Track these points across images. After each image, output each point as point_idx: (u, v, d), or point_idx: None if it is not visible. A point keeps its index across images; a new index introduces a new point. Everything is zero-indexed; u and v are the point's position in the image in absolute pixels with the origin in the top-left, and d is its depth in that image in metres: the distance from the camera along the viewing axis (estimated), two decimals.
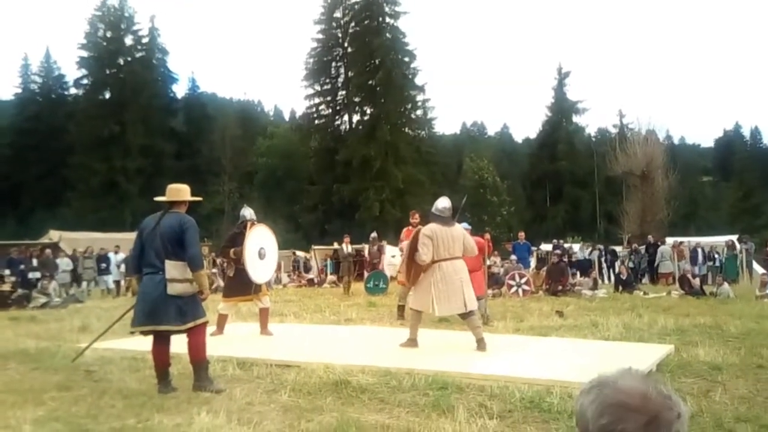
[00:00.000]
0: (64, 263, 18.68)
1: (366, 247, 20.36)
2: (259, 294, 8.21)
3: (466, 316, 6.89)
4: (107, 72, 48.45)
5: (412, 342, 6.99)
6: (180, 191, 5.46)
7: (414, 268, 7.10)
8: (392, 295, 12.02)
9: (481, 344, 6.68)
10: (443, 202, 7.14)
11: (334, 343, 7.22)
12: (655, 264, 18.59)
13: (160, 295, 5.09)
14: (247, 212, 8.48)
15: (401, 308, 10.18)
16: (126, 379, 5.65)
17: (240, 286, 8.06)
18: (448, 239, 6.86)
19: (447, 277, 6.77)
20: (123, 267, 18.38)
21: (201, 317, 5.28)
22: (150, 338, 5.32)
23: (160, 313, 5.11)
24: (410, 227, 10.46)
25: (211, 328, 8.19)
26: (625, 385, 1.14)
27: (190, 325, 5.18)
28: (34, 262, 17.68)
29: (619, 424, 1.08)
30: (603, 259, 20.41)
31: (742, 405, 4.60)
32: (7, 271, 16.68)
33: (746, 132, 73.46)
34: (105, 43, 48.62)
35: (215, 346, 6.00)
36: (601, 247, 21.74)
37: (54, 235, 24.38)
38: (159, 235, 5.17)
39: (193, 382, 5.23)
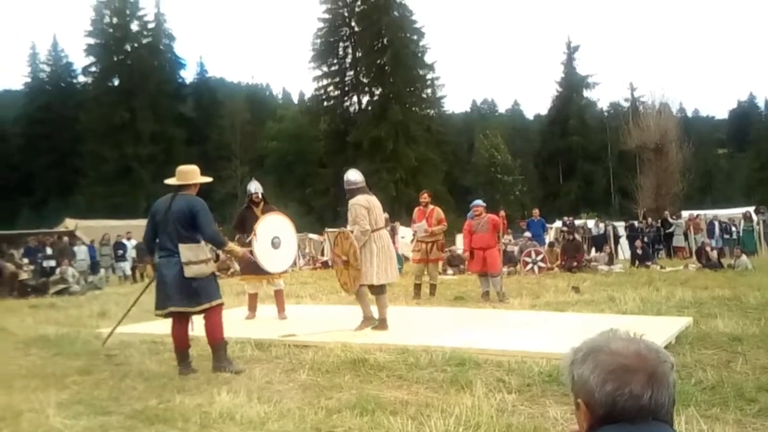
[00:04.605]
0: (82, 251, 18.90)
1: None
2: (273, 275, 8.13)
3: (383, 290, 6.70)
4: (115, 59, 48.52)
5: (369, 321, 6.67)
6: (189, 173, 5.44)
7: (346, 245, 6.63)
8: (407, 275, 12.01)
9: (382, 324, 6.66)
10: (355, 174, 6.86)
11: (350, 322, 7.23)
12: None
13: (176, 277, 5.11)
14: (253, 186, 8.24)
15: (417, 287, 10.21)
16: (146, 362, 5.70)
17: (255, 263, 7.99)
18: (378, 208, 6.77)
19: (387, 245, 6.69)
20: (135, 253, 18.58)
21: (216, 299, 5.31)
22: (169, 321, 5.36)
23: (177, 294, 5.14)
24: (421, 207, 10.47)
25: (243, 311, 8.27)
26: (618, 348, 1.20)
27: (205, 306, 5.21)
28: (48, 250, 17.86)
29: (626, 387, 1.15)
30: (614, 235, 20.26)
31: (763, 374, 4.56)
32: (25, 260, 16.88)
33: (761, 102, 72.25)
34: (111, 30, 48.61)
35: (233, 328, 6.03)
36: (614, 223, 21.61)
37: (70, 223, 24.60)
38: (171, 219, 5.18)
39: (213, 364, 5.27)
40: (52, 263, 16.71)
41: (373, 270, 6.53)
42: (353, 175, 6.84)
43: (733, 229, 18.98)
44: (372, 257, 6.55)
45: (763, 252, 17.92)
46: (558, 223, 22.81)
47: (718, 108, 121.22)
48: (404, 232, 17.42)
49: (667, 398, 1.18)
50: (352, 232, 6.55)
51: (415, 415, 3.84)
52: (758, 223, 18.80)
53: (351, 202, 6.68)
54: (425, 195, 10.64)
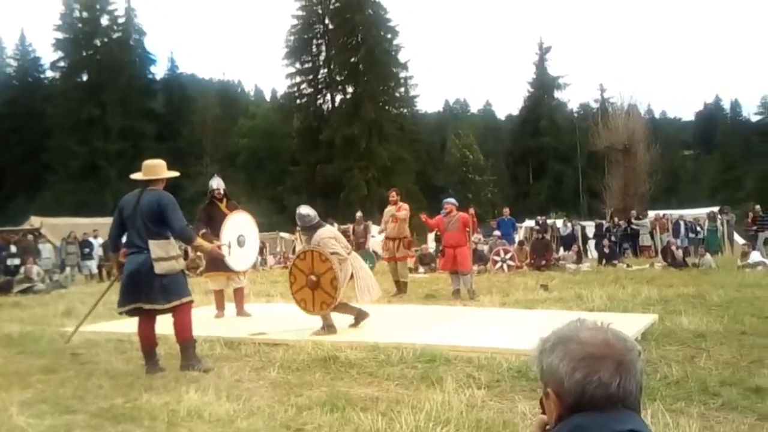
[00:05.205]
0: (47, 249, 18.51)
1: (351, 226, 20.40)
2: (238, 273, 8.00)
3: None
4: (84, 53, 47.53)
5: (331, 329, 6.48)
6: (156, 168, 5.35)
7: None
8: (378, 274, 11.99)
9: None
10: (308, 209, 6.81)
11: (321, 320, 7.20)
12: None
13: (145, 274, 5.04)
14: (215, 182, 8.16)
15: (397, 283, 10.28)
16: (113, 360, 5.61)
17: (219, 260, 7.87)
18: (339, 235, 7.02)
19: (360, 264, 6.84)
20: (102, 251, 18.24)
21: (186, 296, 5.25)
22: (136, 320, 5.28)
23: (145, 291, 5.07)
24: (391, 205, 10.52)
25: (211, 309, 8.17)
26: (586, 337, 1.21)
27: (175, 303, 5.14)
28: (13, 248, 17.45)
29: (595, 375, 1.16)
30: (582, 234, 20.51)
31: (726, 370, 4.68)
32: None
33: (726, 105, 73.96)
34: (81, 24, 47.61)
35: (201, 326, 5.97)
36: (582, 223, 21.88)
37: (35, 221, 24.05)
38: (139, 214, 5.11)
39: (181, 362, 5.21)
40: (17, 261, 16.34)
41: (363, 291, 6.67)
42: (307, 210, 6.79)
43: (698, 228, 19.33)
44: (356, 279, 6.66)
45: (727, 251, 18.33)
46: (528, 223, 23.07)
47: (685, 110, 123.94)
48: (376, 231, 17.60)
49: (635, 386, 1.19)
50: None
51: (386, 411, 3.85)
52: (722, 224, 19.19)
53: (316, 238, 6.56)
54: (393, 193, 10.72)
